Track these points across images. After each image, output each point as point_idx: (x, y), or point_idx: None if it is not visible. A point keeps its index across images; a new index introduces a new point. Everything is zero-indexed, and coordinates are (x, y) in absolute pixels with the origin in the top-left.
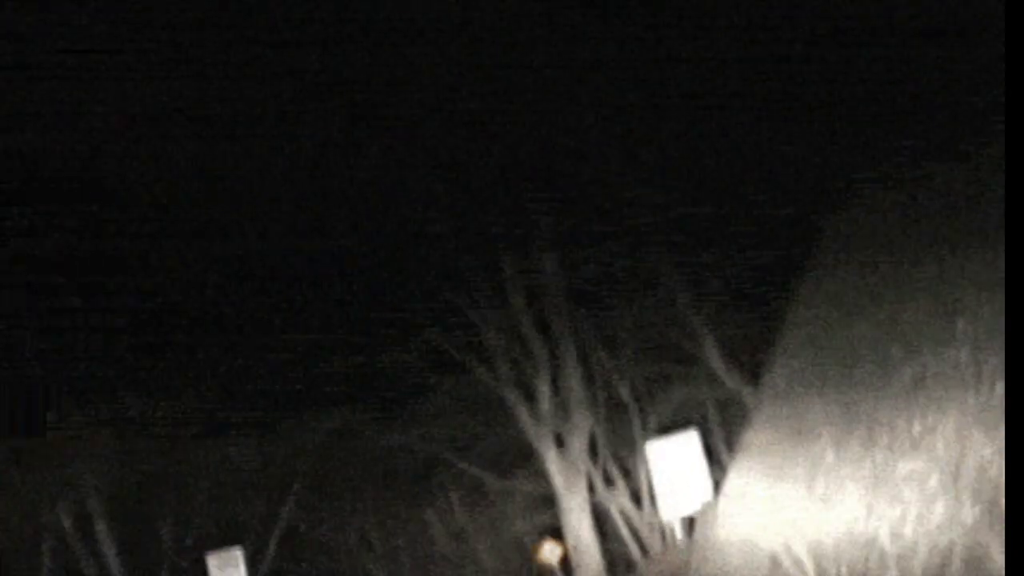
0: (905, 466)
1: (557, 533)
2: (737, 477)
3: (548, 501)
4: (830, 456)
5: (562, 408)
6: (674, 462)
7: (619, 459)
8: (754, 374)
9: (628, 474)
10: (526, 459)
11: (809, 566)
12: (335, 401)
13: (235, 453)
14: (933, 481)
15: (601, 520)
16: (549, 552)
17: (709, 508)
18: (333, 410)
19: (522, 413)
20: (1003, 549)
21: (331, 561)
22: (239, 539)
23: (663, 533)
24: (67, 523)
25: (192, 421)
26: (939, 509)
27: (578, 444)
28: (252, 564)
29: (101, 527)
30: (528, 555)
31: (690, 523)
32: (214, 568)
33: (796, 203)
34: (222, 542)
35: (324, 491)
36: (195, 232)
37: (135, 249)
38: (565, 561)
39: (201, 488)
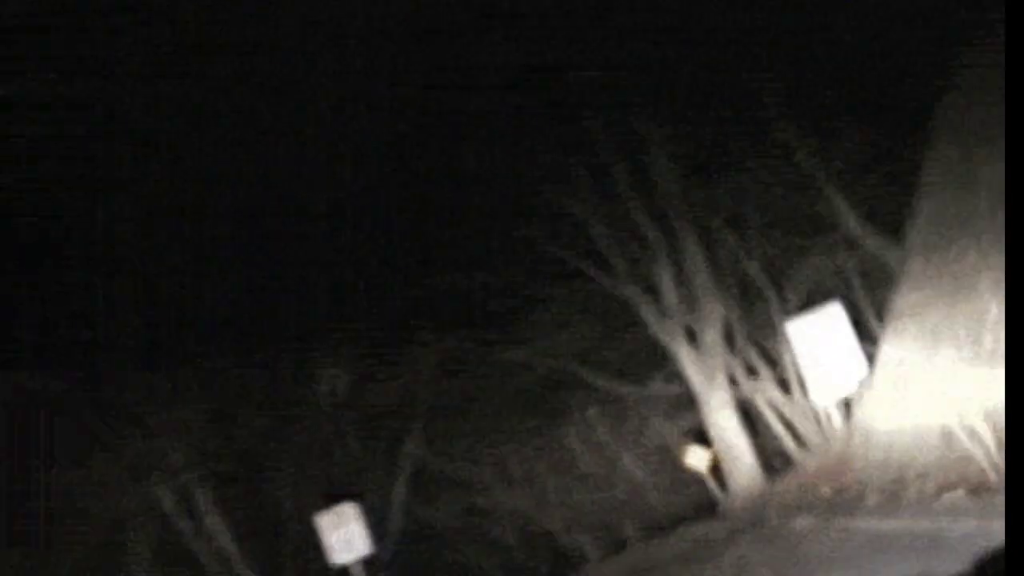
0: None
1: (703, 436)
2: (891, 348)
3: (689, 402)
4: (994, 308)
5: (689, 299)
6: (820, 341)
7: (759, 346)
8: (895, 233)
9: (772, 361)
10: (659, 360)
11: (988, 436)
12: (443, 326)
13: (344, 393)
14: None
15: (749, 416)
16: (696, 457)
17: (865, 386)
18: (444, 334)
19: (647, 311)
20: None
21: (468, 498)
22: (360, 490)
23: (819, 421)
24: (168, 497)
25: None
26: None
27: (712, 335)
28: (378, 514)
29: (206, 498)
30: (677, 462)
31: (847, 406)
32: (327, 529)
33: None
34: (341, 497)
35: (447, 422)
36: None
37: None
38: (715, 465)
39: (312, 438)
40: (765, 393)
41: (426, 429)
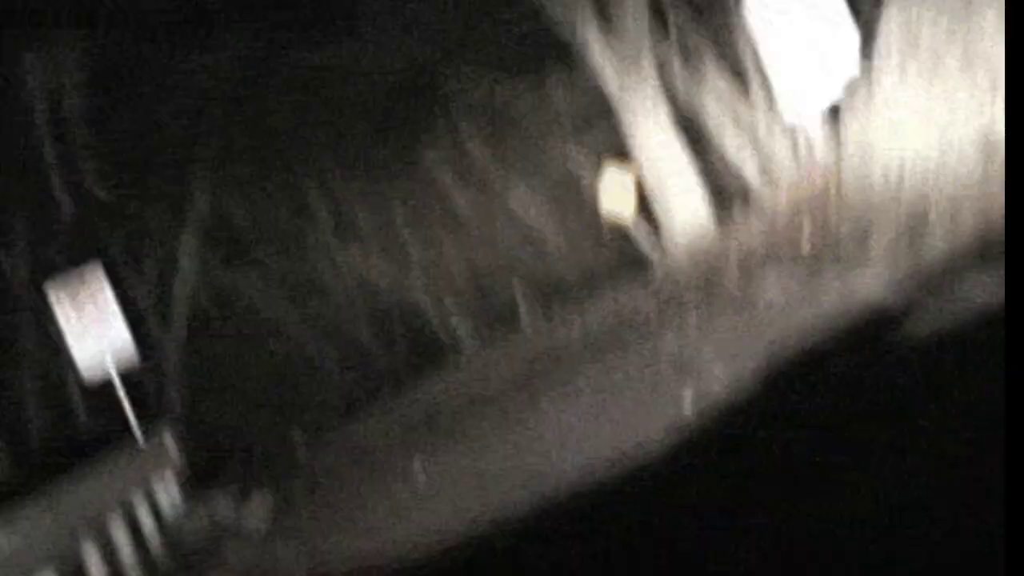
0: None
1: (624, 164)
2: (895, 34)
3: (602, 113)
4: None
5: None
6: (791, 24)
7: (705, 28)
8: None
9: (723, 53)
10: (557, 52)
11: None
12: (248, 17)
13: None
14: None
15: (691, 135)
16: (616, 193)
17: (858, 90)
18: (248, 28)
19: None
20: None
21: (289, 266)
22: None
23: (793, 142)
24: None
25: None
26: None
27: (634, 15)
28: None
29: None
30: (587, 201)
31: (833, 115)
32: (58, 301)
33: None
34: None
35: (248, 160)
36: None
37: None
38: (643, 204)
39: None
40: (715, 100)
41: (217, 170)
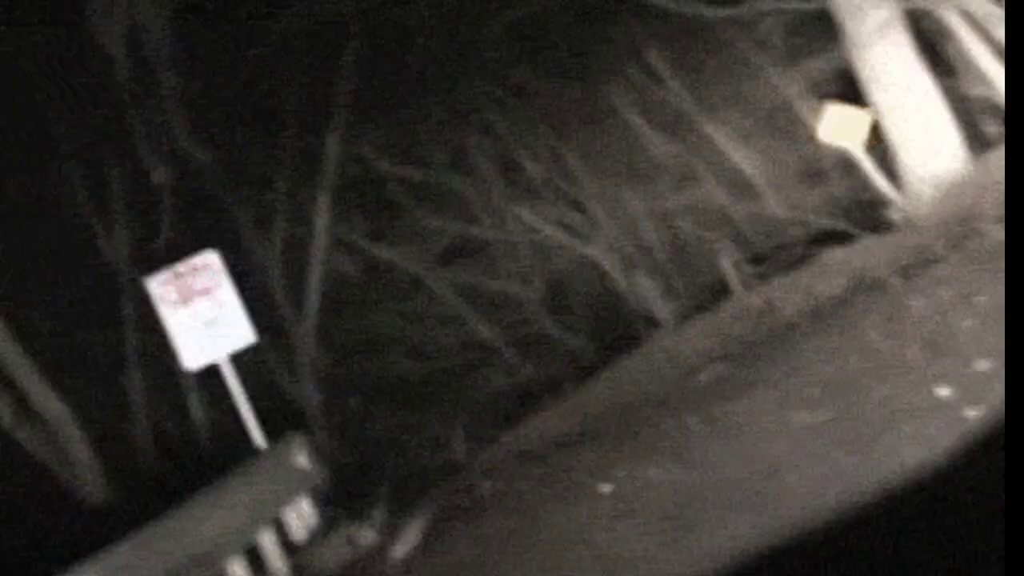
0: None
1: (851, 93)
2: None
3: (821, 28)
4: None
5: None
6: None
7: None
8: None
9: None
10: None
11: None
12: None
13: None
14: None
15: (934, 52)
16: (843, 125)
17: None
18: None
19: None
20: None
21: (454, 216)
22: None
23: None
24: None
25: None
26: None
27: None
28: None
29: None
30: (805, 134)
31: None
32: (167, 302)
33: None
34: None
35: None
36: None
37: None
38: (875, 138)
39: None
40: (964, 15)
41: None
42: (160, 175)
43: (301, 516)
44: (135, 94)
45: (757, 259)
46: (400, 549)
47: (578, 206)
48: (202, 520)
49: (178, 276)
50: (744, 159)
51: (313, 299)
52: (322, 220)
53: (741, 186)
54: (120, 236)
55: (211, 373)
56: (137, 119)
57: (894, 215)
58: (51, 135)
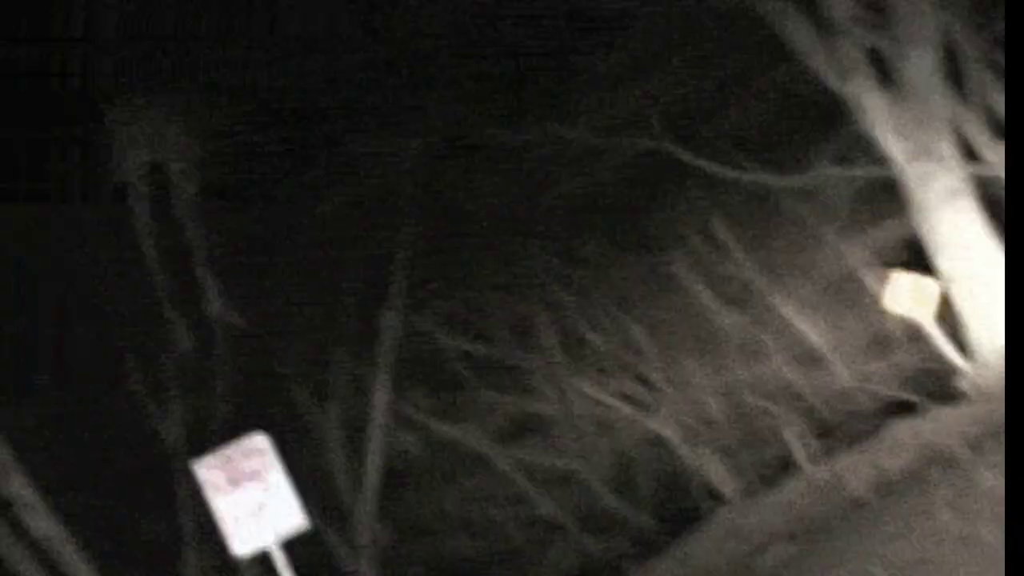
0: None
1: (917, 260)
2: None
3: (887, 194)
4: None
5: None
6: None
7: None
8: None
9: None
10: (830, 130)
11: None
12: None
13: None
14: None
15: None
16: (909, 294)
17: None
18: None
19: (795, 27)
20: None
21: (515, 388)
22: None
23: None
24: None
25: None
26: None
27: (923, 66)
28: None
29: None
30: (870, 303)
31: None
32: (215, 487)
33: None
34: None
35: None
36: None
37: None
38: (944, 309)
39: None
40: None
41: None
42: (185, 340)
43: None
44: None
45: (824, 432)
46: None
47: (642, 379)
48: None
49: (226, 460)
50: (810, 329)
51: (373, 476)
52: (381, 396)
53: (807, 357)
54: (174, 415)
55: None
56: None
57: (963, 386)
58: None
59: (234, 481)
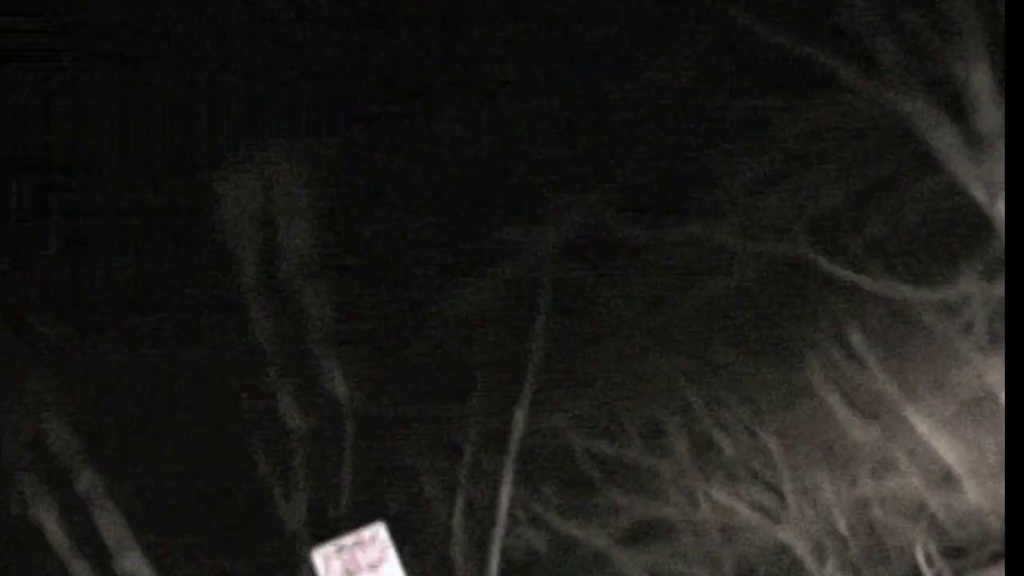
0: None
1: None
2: None
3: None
4: None
5: None
6: None
7: None
8: None
9: None
10: (973, 236)
11: None
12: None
13: None
14: None
15: None
16: None
17: None
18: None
19: (941, 139)
20: None
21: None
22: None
23: None
24: None
25: None
26: None
27: None
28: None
29: None
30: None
31: None
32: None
33: None
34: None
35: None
36: None
37: None
38: None
39: None
40: None
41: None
42: (296, 421)
43: None
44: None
45: (954, 552)
46: None
47: (772, 488)
48: None
49: (344, 549)
50: (945, 448)
51: (494, 570)
52: (506, 489)
53: (940, 475)
54: (298, 501)
55: None
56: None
57: None
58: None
59: (351, 571)
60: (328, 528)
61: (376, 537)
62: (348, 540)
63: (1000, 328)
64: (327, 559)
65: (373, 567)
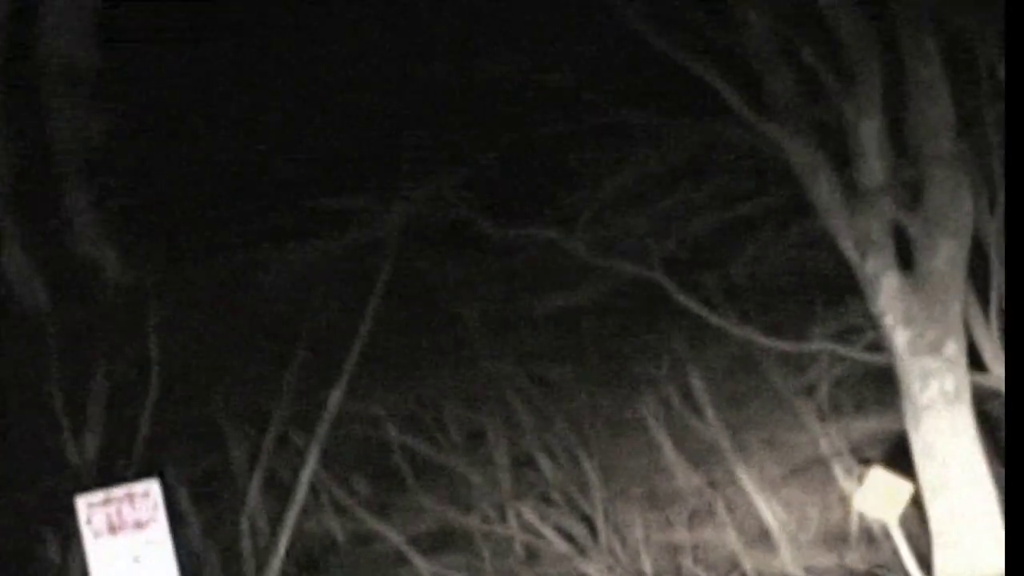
0: None
1: (898, 458)
2: None
3: (880, 381)
4: None
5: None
6: None
7: None
8: None
9: None
10: (835, 292)
11: None
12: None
13: None
14: None
15: (991, 428)
16: (881, 496)
17: None
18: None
19: (820, 190)
20: None
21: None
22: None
23: None
24: None
25: None
26: None
27: (948, 259)
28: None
29: None
30: (839, 502)
31: None
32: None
33: None
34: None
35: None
36: None
37: None
38: (916, 513)
39: None
40: None
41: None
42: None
43: None
44: None
45: None
46: None
47: (585, 518)
48: None
49: (111, 501)
50: (767, 508)
51: (281, 553)
52: (307, 471)
53: (758, 535)
54: (88, 442)
55: None
56: None
57: None
58: None
59: (113, 527)
60: (115, 478)
61: (148, 494)
62: (119, 492)
63: (842, 397)
64: (90, 508)
65: (139, 525)
